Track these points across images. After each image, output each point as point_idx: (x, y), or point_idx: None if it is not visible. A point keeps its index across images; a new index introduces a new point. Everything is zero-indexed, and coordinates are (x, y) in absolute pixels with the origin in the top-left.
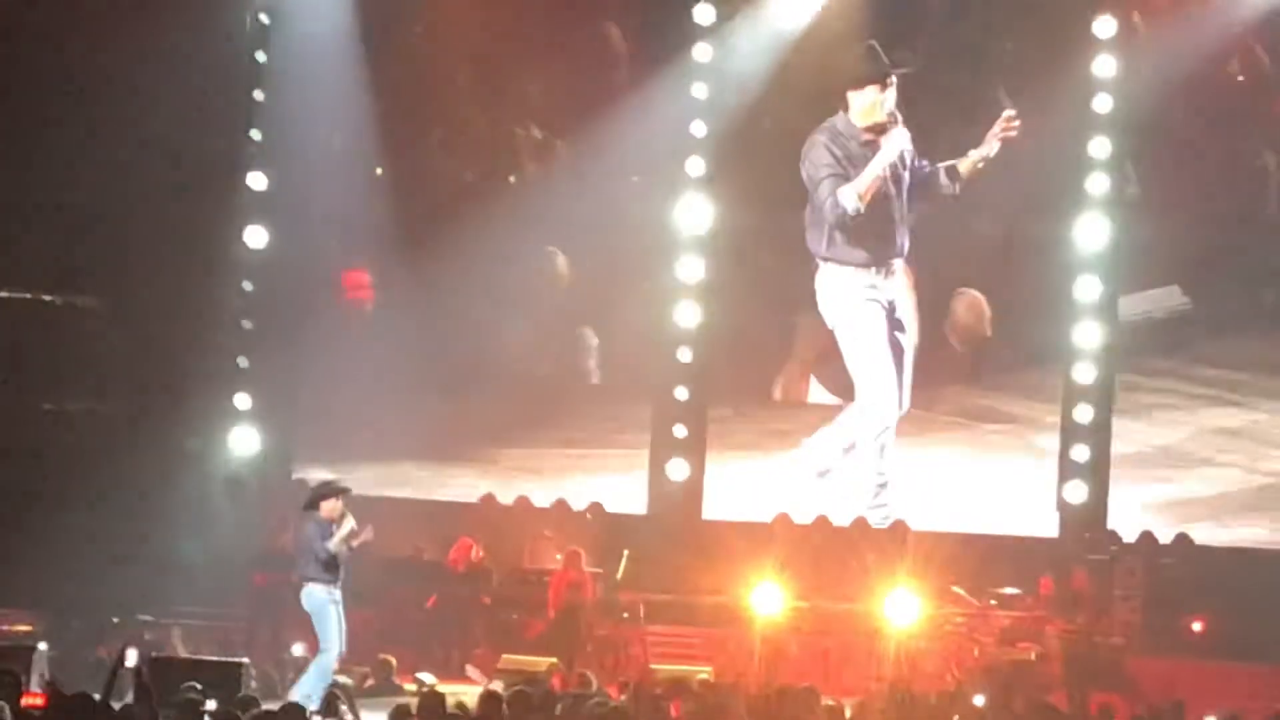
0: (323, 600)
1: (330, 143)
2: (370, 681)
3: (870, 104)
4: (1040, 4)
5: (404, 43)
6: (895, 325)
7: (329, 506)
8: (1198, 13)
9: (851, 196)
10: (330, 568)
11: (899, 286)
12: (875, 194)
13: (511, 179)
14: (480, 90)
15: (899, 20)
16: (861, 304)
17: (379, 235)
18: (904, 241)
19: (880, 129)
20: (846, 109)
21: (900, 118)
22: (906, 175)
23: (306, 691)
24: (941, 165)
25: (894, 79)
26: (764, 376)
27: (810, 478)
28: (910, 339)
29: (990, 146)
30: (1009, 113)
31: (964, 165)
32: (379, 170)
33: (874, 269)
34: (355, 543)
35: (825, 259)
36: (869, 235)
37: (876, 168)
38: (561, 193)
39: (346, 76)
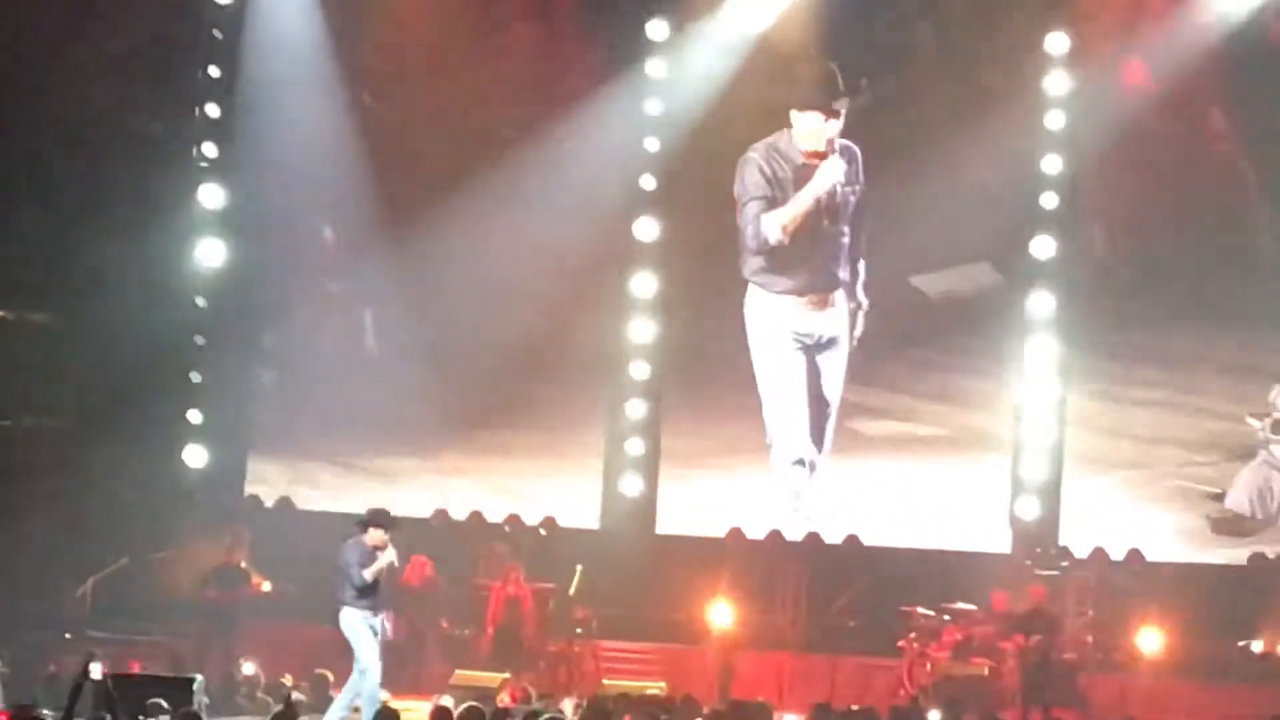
0: (356, 623)
1: (292, 147)
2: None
3: (814, 130)
4: (992, 20)
5: (369, 39)
6: (815, 363)
7: (376, 535)
8: (1149, 30)
9: (774, 227)
10: (366, 593)
11: (834, 321)
12: (804, 224)
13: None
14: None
15: (850, 37)
16: (778, 334)
17: (331, 252)
18: (842, 273)
19: (821, 156)
20: (791, 127)
21: (838, 148)
22: (853, 198)
23: (341, 715)
24: None
25: (842, 109)
26: (718, 391)
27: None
28: (836, 379)
29: None
30: None
31: None
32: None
33: (802, 298)
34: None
35: (749, 280)
36: (796, 263)
37: (806, 199)
38: (514, 206)
39: (313, 80)
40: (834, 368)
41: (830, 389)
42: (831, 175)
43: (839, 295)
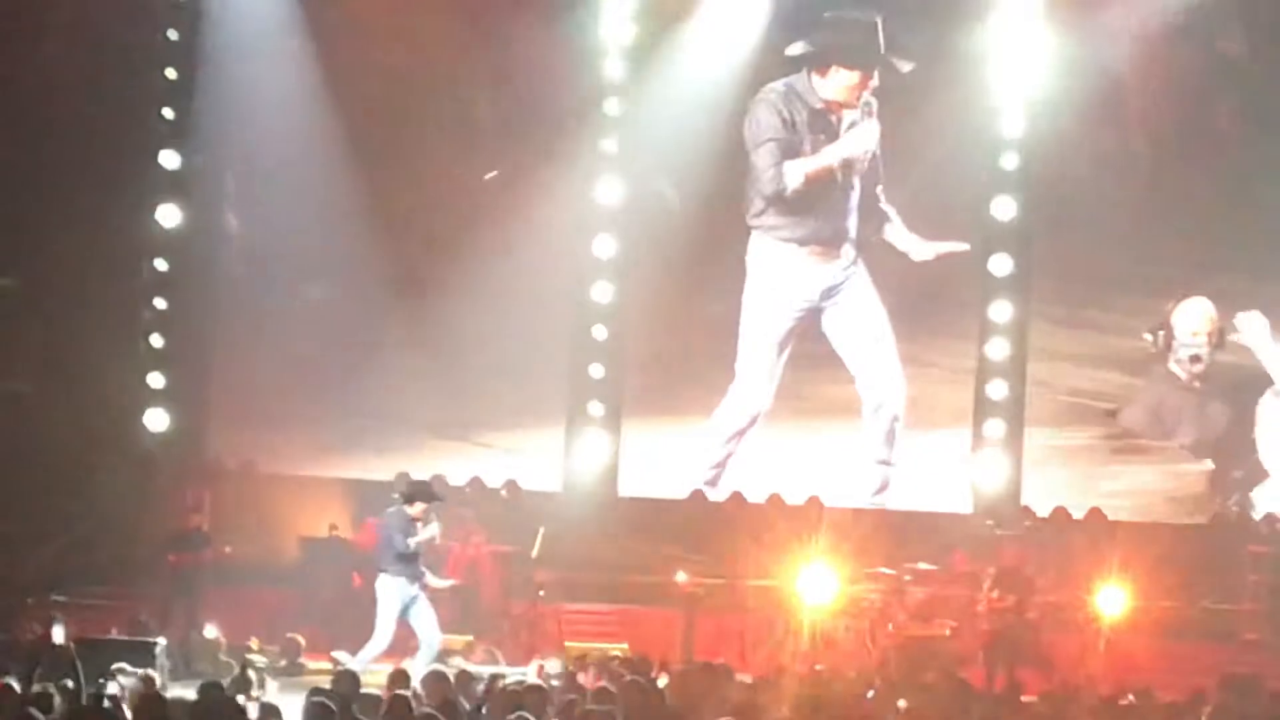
0: (389, 591)
1: (257, 113)
2: (282, 661)
3: (844, 83)
4: None
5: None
6: (814, 320)
7: (420, 507)
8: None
9: (798, 175)
10: (406, 561)
11: (840, 274)
12: (821, 177)
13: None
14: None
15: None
16: (774, 282)
17: (307, 212)
18: (855, 227)
19: (839, 108)
20: (824, 73)
21: (875, 108)
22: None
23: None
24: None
25: (877, 74)
26: (680, 353)
27: (715, 461)
28: (853, 334)
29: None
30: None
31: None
32: None
33: (804, 248)
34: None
35: (754, 226)
36: (804, 210)
37: (834, 156)
38: (479, 169)
39: (278, 45)
40: (846, 322)
41: (848, 344)
42: (866, 140)
43: (847, 248)
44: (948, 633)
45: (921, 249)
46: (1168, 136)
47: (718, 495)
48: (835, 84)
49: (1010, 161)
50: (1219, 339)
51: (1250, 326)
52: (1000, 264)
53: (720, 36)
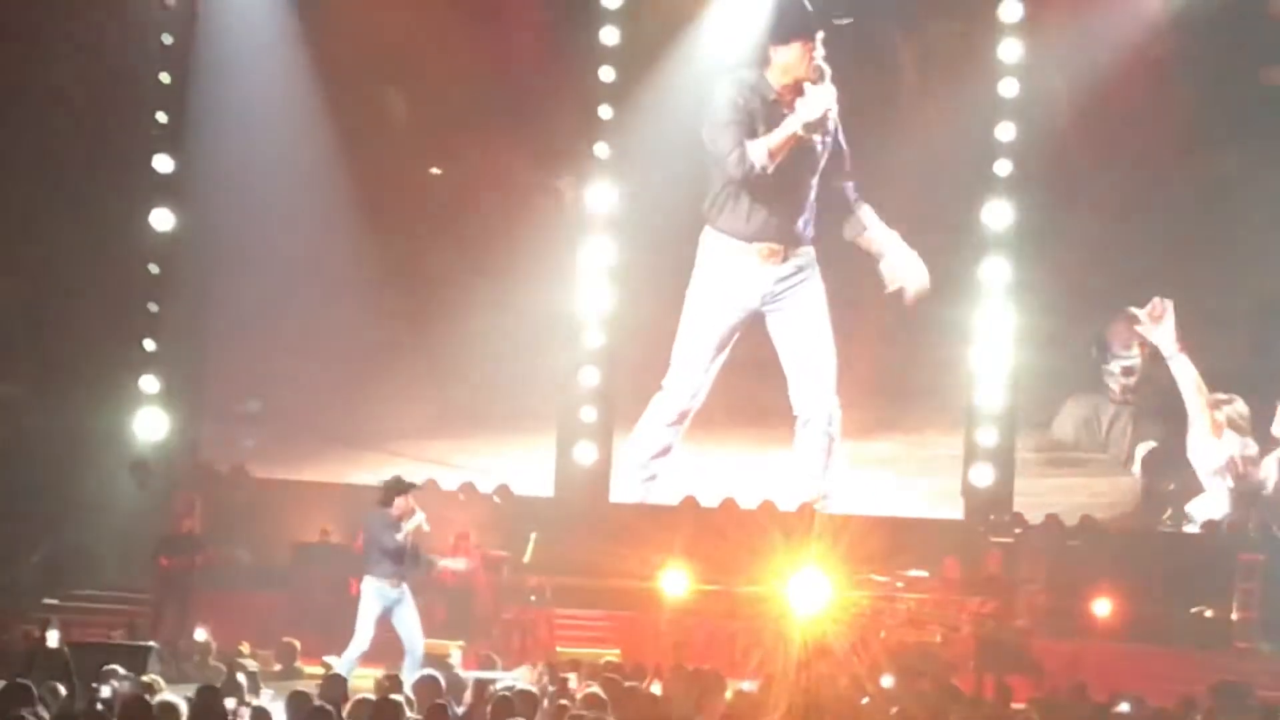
0: (369, 594)
1: (251, 119)
2: (277, 665)
3: (790, 63)
4: None
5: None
6: (743, 316)
7: (400, 503)
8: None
9: (762, 151)
10: (393, 561)
11: (792, 277)
12: (786, 159)
13: (432, 170)
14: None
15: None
16: (717, 278)
17: (300, 217)
18: (805, 226)
19: (796, 88)
20: (767, 65)
21: (828, 74)
22: (821, 148)
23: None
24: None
25: (820, 34)
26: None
27: (644, 460)
28: (799, 341)
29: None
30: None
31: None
32: None
33: (755, 245)
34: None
35: (706, 220)
36: (759, 205)
37: (795, 124)
38: (471, 176)
39: (272, 50)
40: (787, 329)
41: (788, 353)
42: (823, 100)
43: (802, 252)
44: (939, 639)
45: (894, 269)
46: (1156, 146)
47: (668, 498)
48: (779, 67)
49: (1003, 167)
50: (1154, 351)
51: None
52: (993, 269)
53: (716, 42)
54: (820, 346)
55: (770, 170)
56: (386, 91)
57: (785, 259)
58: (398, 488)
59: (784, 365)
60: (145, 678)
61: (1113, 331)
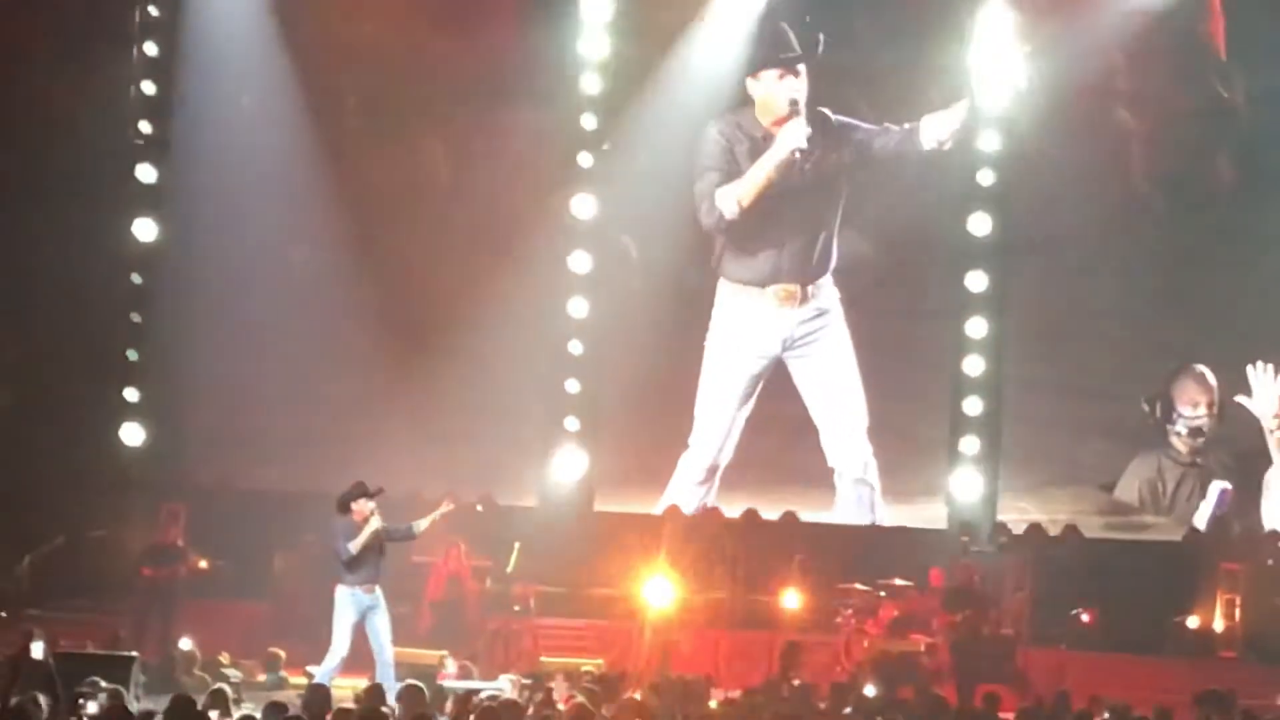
0: (342, 601)
1: (234, 129)
2: (261, 676)
3: (770, 95)
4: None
5: (317, 30)
6: (765, 365)
7: (359, 507)
8: (1085, 11)
9: (729, 200)
10: (352, 569)
11: (812, 321)
12: (766, 199)
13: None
14: (371, 81)
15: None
16: (734, 327)
17: (285, 228)
18: (821, 260)
19: (783, 123)
20: (753, 100)
21: (803, 109)
22: (827, 170)
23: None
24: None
25: (801, 66)
26: (657, 368)
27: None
28: (823, 391)
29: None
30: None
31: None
32: None
33: (766, 289)
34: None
35: (717, 271)
36: (765, 247)
37: (765, 167)
38: (455, 188)
39: (256, 61)
40: (812, 376)
41: (816, 402)
42: (791, 139)
43: (821, 288)
44: (923, 648)
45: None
46: (1146, 156)
47: (693, 511)
48: (762, 100)
49: (986, 178)
50: (1220, 410)
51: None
52: (976, 281)
53: (703, 57)
54: (848, 391)
55: (737, 217)
56: (368, 102)
57: (804, 300)
58: (352, 494)
59: (812, 415)
60: (114, 688)
61: (1177, 390)
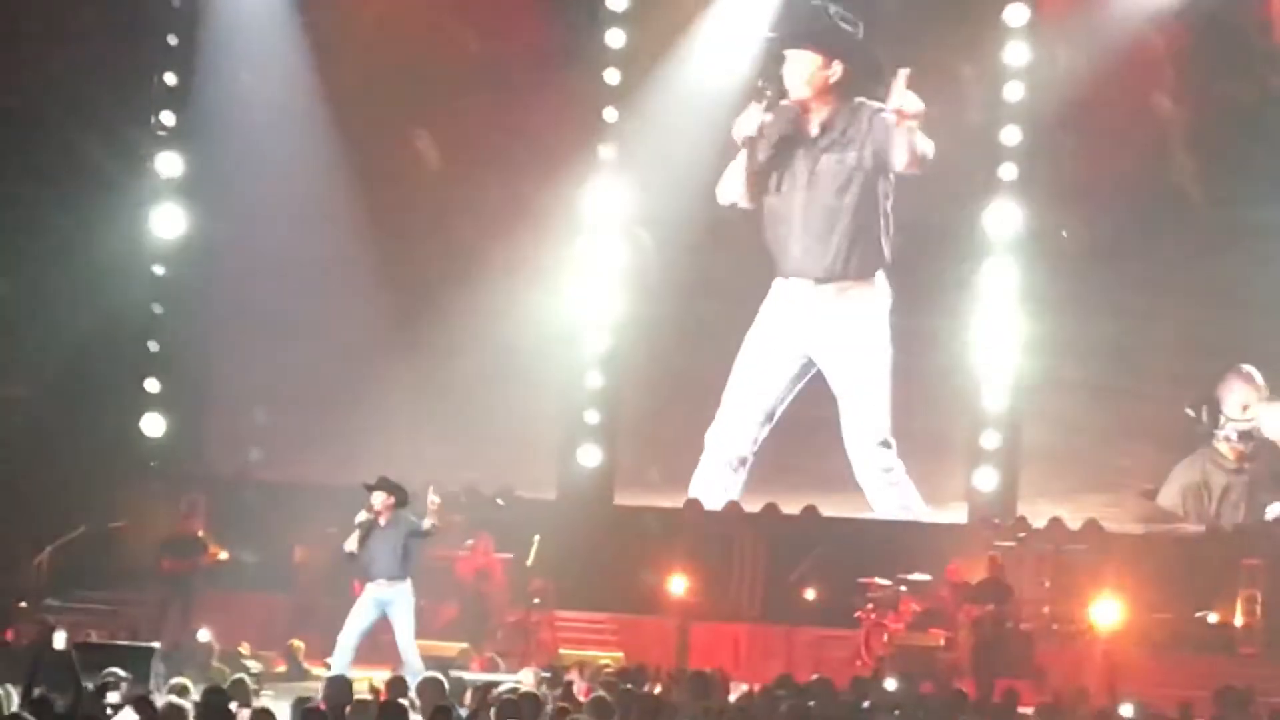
0: (363, 594)
1: (255, 120)
2: (282, 667)
3: (798, 72)
4: None
5: (337, 20)
6: (795, 359)
7: (371, 502)
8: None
9: (727, 188)
10: (356, 562)
11: (854, 316)
12: (797, 190)
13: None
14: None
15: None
16: (766, 319)
17: (305, 218)
18: (867, 257)
19: (805, 105)
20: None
21: (767, 93)
22: (857, 164)
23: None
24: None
25: (832, 51)
26: (678, 362)
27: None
28: (857, 389)
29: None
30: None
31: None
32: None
33: (798, 281)
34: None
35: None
36: (790, 241)
37: (743, 159)
38: (473, 181)
39: (275, 49)
40: (851, 379)
41: (848, 404)
42: (741, 126)
43: (871, 287)
44: (942, 643)
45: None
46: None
47: (713, 504)
48: (790, 73)
49: (1009, 171)
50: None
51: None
52: (996, 273)
53: (722, 47)
54: (877, 397)
55: (748, 206)
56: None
57: (850, 296)
58: (371, 489)
59: (843, 417)
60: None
61: (1224, 392)
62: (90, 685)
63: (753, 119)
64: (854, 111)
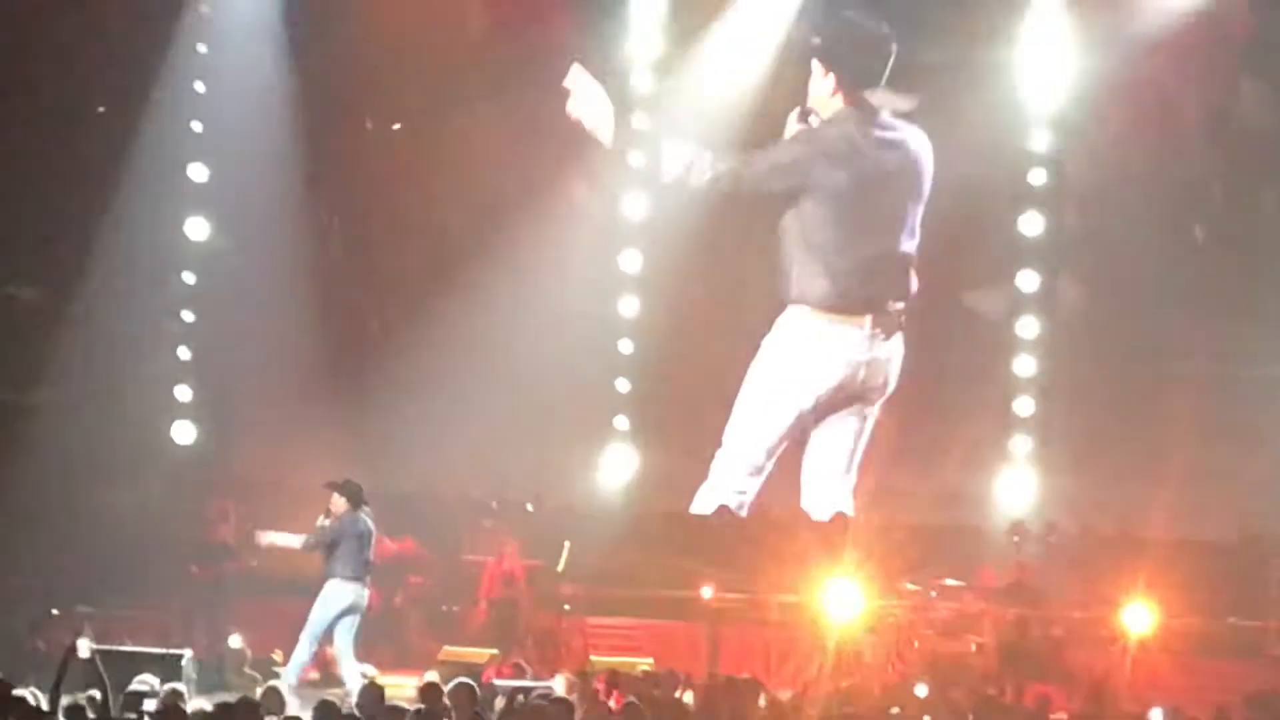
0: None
1: (265, 131)
2: (313, 674)
3: (812, 77)
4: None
5: (336, 32)
6: (836, 408)
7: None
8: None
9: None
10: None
11: (871, 348)
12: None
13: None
14: (420, 84)
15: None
16: (788, 353)
17: (319, 228)
18: (885, 285)
19: (806, 115)
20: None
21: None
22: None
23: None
24: None
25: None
26: (706, 368)
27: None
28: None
29: None
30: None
31: None
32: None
33: (825, 316)
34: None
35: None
36: (826, 271)
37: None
38: (500, 185)
39: (278, 66)
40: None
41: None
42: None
43: (878, 317)
44: (974, 648)
45: None
46: (1196, 146)
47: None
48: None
49: (1038, 177)
50: None
51: None
52: (1027, 280)
53: (747, 46)
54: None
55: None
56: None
57: (859, 327)
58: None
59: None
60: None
61: None
62: (118, 692)
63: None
64: (870, 119)
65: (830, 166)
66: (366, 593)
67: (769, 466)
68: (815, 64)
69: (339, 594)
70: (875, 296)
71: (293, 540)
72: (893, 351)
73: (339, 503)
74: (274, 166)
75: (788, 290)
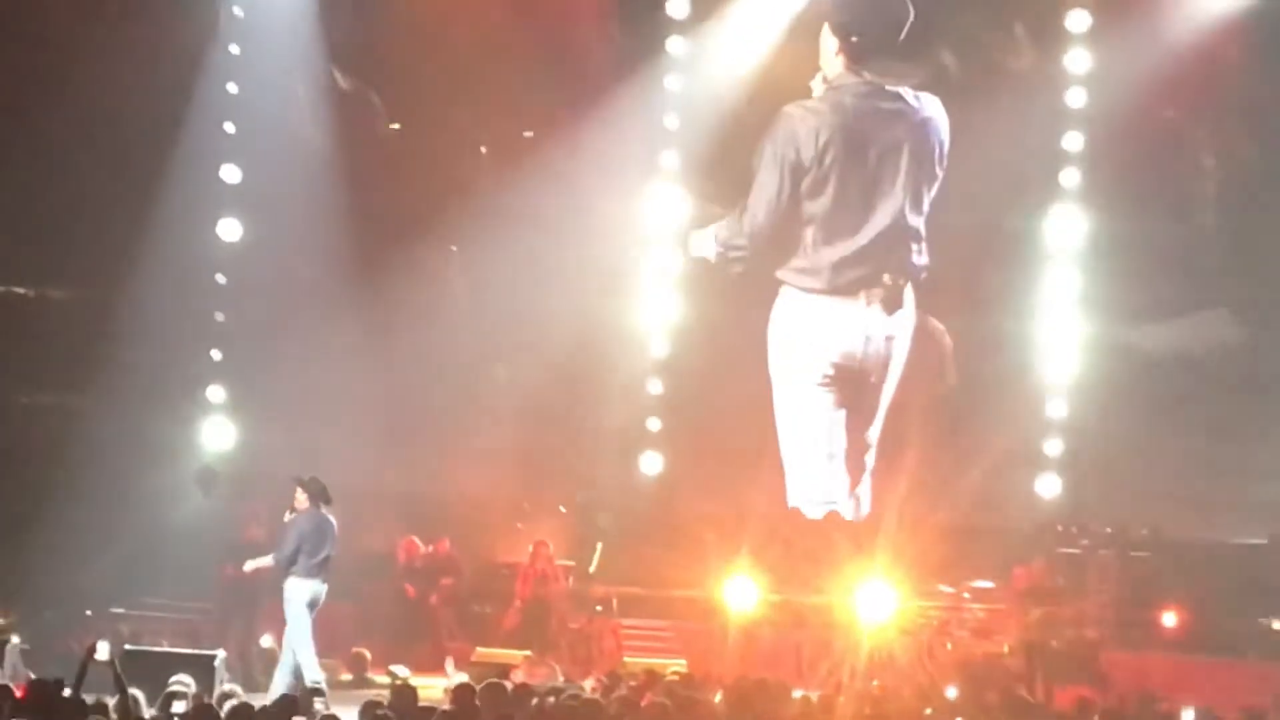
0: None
1: (298, 132)
2: (347, 675)
3: (822, 49)
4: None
5: (372, 32)
6: (856, 393)
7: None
8: (1169, 8)
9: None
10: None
11: (881, 330)
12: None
13: (484, 177)
14: (453, 85)
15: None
16: (809, 351)
17: (351, 228)
18: (890, 266)
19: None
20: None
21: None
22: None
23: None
24: None
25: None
26: (740, 368)
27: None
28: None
29: None
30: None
31: None
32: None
33: (830, 299)
34: None
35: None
36: (824, 250)
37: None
38: (534, 188)
39: (310, 67)
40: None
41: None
42: None
43: (887, 298)
44: (1006, 650)
45: None
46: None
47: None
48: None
49: (1070, 177)
50: None
51: None
52: (1058, 279)
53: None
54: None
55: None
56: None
57: (865, 311)
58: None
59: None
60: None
61: None
62: (137, 693)
63: None
64: (877, 94)
65: (810, 143)
66: (324, 589)
67: (839, 464)
68: (825, 26)
69: (297, 591)
70: (869, 274)
71: (267, 560)
72: (896, 328)
73: (301, 499)
74: (306, 167)
75: (780, 268)
